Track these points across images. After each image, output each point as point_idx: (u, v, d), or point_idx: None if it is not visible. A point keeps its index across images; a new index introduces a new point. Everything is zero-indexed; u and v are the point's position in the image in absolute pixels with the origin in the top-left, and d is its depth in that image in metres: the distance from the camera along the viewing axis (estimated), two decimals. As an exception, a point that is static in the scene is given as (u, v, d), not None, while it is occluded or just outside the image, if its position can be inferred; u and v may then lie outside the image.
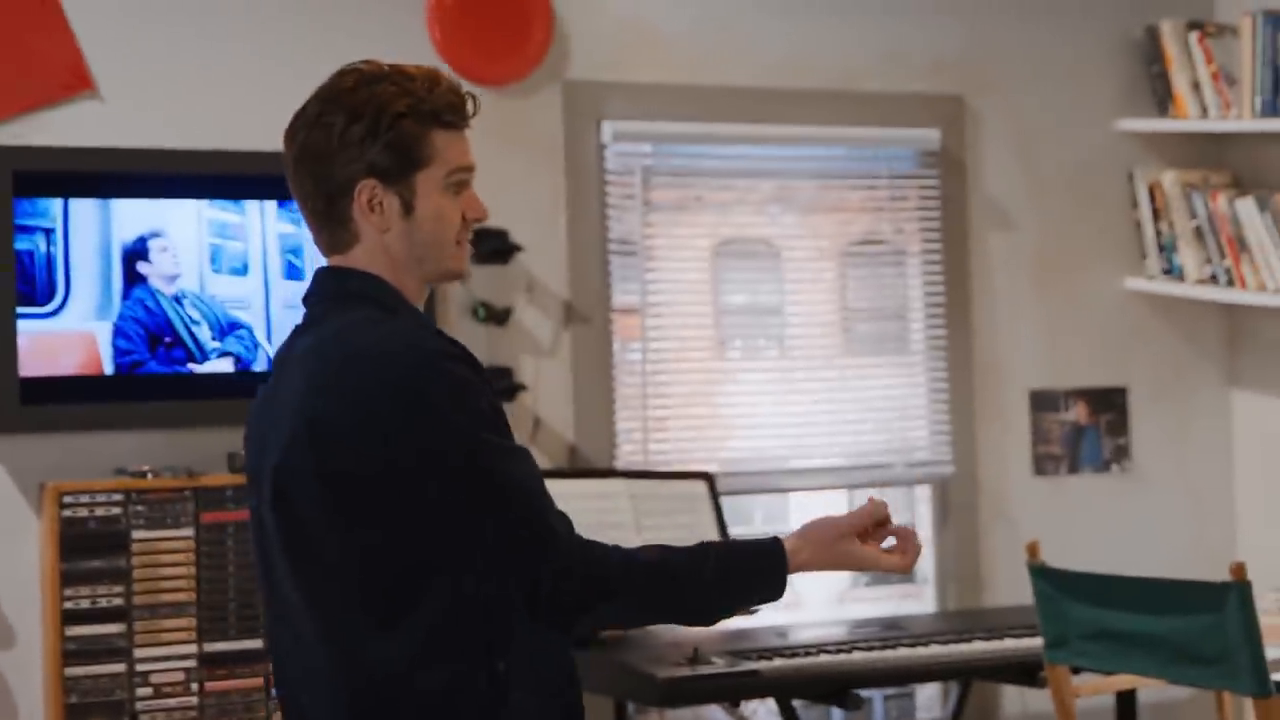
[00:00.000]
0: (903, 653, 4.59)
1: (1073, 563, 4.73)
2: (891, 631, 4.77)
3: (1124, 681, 4.55)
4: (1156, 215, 5.41)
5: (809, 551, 2.51)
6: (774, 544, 2.51)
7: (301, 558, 2.47)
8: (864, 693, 4.98)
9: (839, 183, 5.19)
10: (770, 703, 4.75)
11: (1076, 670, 4.40)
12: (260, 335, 4.44)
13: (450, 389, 2.40)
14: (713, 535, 4.68)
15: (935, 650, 4.63)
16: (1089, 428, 5.43)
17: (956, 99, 5.27)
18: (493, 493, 2.39)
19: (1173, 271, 5.40)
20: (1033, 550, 4.20)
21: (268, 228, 4.45)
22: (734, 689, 4.37)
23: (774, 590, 2.50)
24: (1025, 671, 4.65)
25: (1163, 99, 5.42)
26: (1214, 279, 5.31)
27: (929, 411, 5.24)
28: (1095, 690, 4.56)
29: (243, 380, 4.41)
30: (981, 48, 5.30)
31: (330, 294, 2.54)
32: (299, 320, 2.57)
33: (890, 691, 5.16)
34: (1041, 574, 4.16)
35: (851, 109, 5.13)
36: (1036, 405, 5.37)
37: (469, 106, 2.54)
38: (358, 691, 2.44)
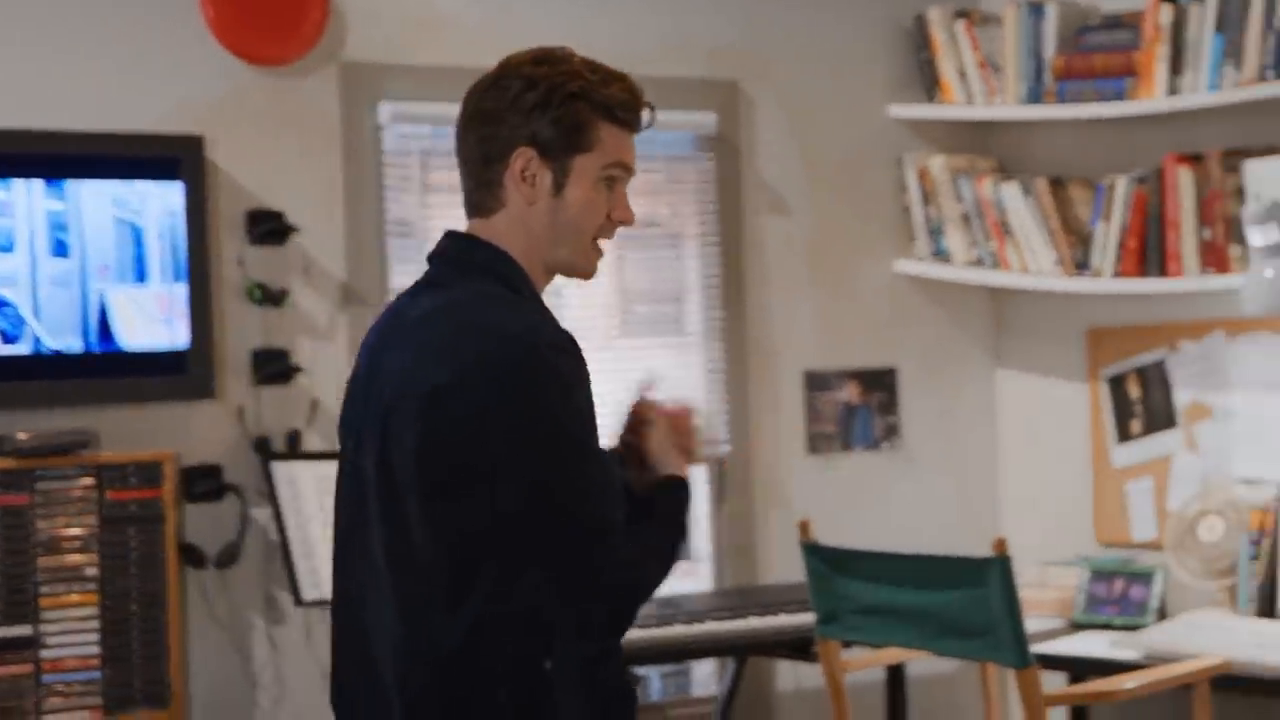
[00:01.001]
0: (678, 630, 4.67)
1: (846, 539, 4.83)
2: (667, 609, 4.84)
3: (893, 655, 4.67)
4: (925, 199, 5.53)
5: (664, 461, 2.63)
6: (670, 486, 2.60)
7: (390, 520, 2.47)
8: (640, 670, 5.07)
9: (616, 166, 5.23)
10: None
11: (848, 644, 4.51)
12: (26, 312, 4.36)
13: (557, 385, 2.42)
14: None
15: (710, 627, 4.71)
16: (861, 407, 5.55)
17: (732, 84, 5.34)
18: (571, 495, 2.41)
19: (941, 254, 5.52)
20: (804, 528, 4.29)
21: (35, 205, 4.37)
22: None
23: (684, 515, 2.60)
24: (798, 646, 4.77)
25: (931, 86, 5.54)
26: (980, 262, 5.44)
27: (705, 392, 5.31)
28: (865, 664, 4.67)
29: (7, 359, 4.33)
30: (757, 34, 5.38)
31: (456, 260, 2.56)
32: (421, 276, 2.59)
33: (667, 669, 5.22)
34: (813, 551, 4.25)
35: (628, 92, 5.17)
36: (810, 385, 5.47)
37: (644, 113, 2.60)
38: (421, 662, 2.45)
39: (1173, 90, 4.96)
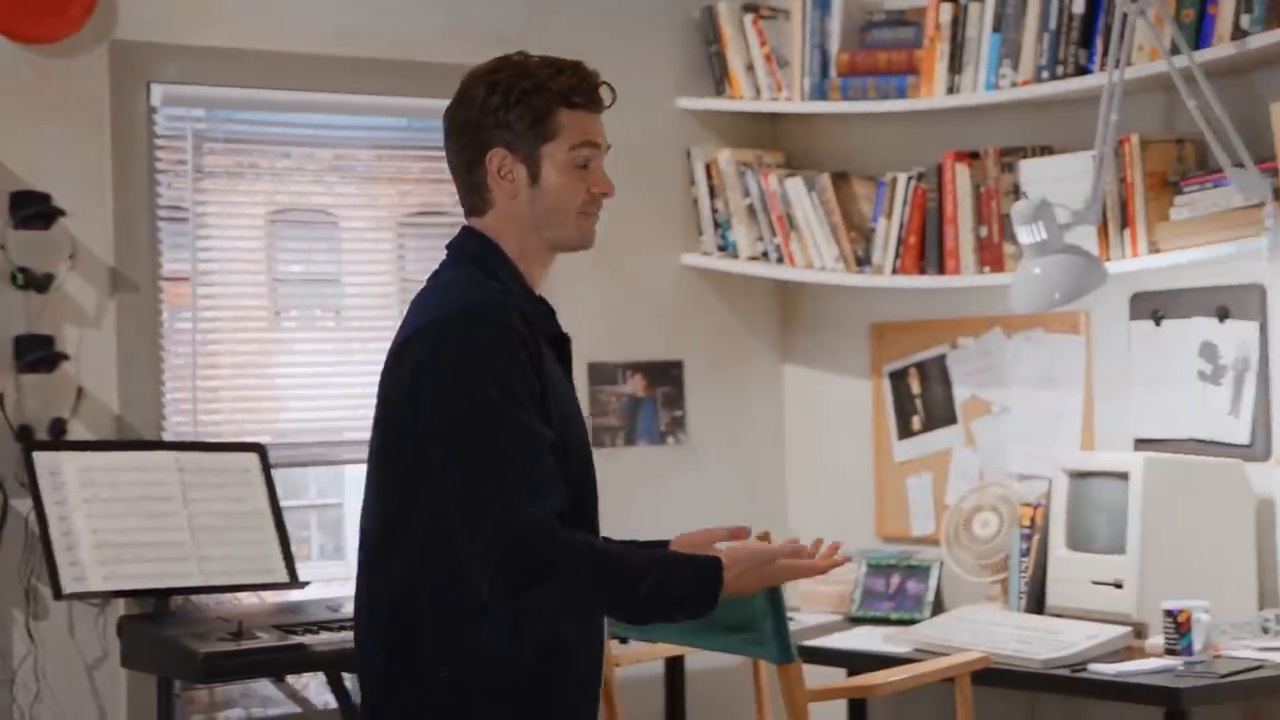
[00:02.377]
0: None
1: (631, 534, 4.80)
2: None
3: (669, 649, 4.65)
4: (713, 193, 5.53)
5: (739, 571, 2.83)
6: (713, 567, 2.81)
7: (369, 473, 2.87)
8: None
9: (398, 153, 5.17)
10: (323, 676, 4.72)
11: (624, 640, 4.49)
12: None
13: (480, 356, 2.72)
14: (264, 507, 4.63)
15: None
16: (646, 400, 5.53)
17: (517, 73, 5.29)
18: (481, 460, 2.68)
19: (727, 248, 5.52)
20: (575, 522, 4.24)
21: None
22: (280, 663, 4.32)
23: (704, 607, 2.81)
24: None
25: (720, 79, 5.54)
26: (766, 256, 5.45)
27: (487, 383, 5.26)
28: (639, 659, 4.65)
29: None
30: (543, 22, 5.33)
31: (455, 249, 2.94)
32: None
33: (445, 663, 5.16)
34: (583, 545, 4.21)
35: (411, 79, 5.10)
36: (595, 378, 5.44)
37: (601, 91, 2.94)
38: (377, 595, 2.83)
39: (952, 88, 5.00)
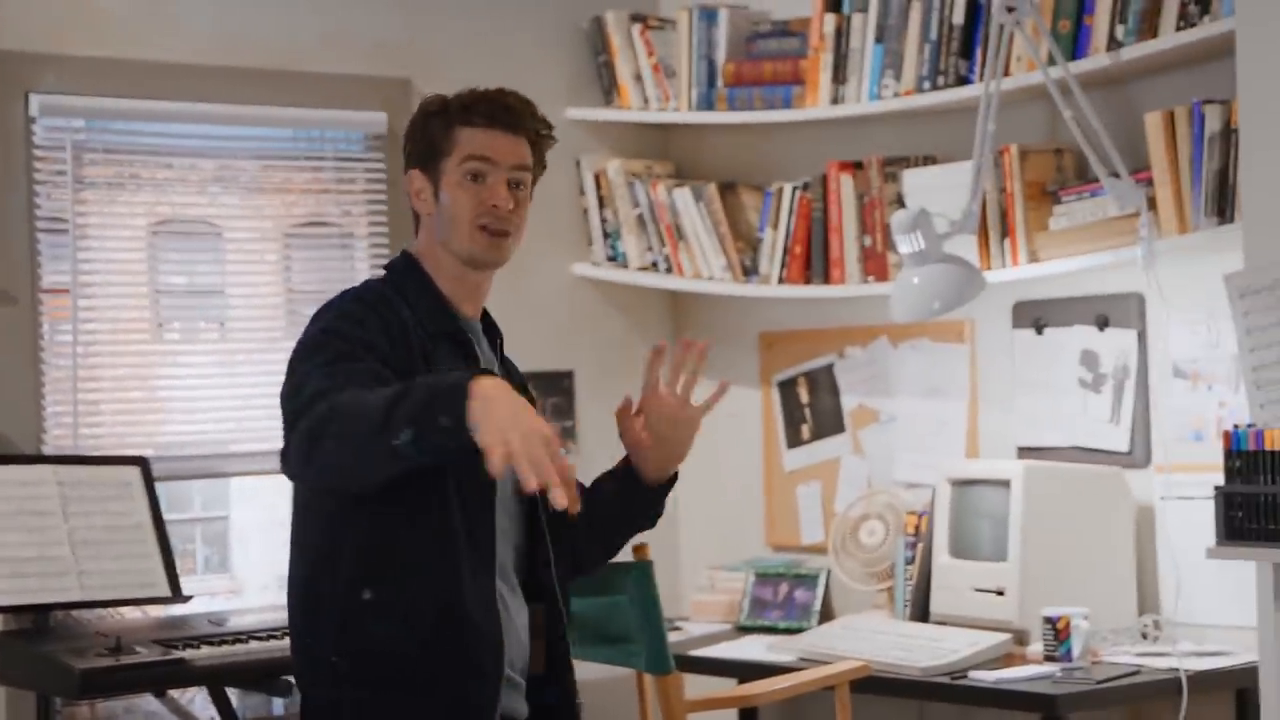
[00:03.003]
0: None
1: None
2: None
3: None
4: (602, 203, 5.52)
5: (495, 401, 2.67)
6: (463, 376, 2.74)
7: None
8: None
9: (283, 164, 5.13)
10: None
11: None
12: None
13: (330, 316, 2.96)
14: (146, 521, 4.58)
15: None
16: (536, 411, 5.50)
17: (403, 82, 5.27)
18: (290, 385, 2.92)
19: (617, 258, 5.52)
20: (455, 533, 4.23)
21: None
22: (160, 678, 4.27)
23: (455, 404, 2.63)
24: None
25: (609, 89, 5.53)
26: (655, 266, 5.46)
27: (375, 395, 5.23)
28: (523, 670, 4.63)
29: None
30: (428, 31, 5.31)
31: (385, 267, 3.17)
32: None
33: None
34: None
35: (295, 89, 5.07)
36: (483, 389, 5.42)
37: (505, 110, 3.07)
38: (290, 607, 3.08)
39: (837, 98, 5.02)
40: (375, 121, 5.19)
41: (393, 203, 5.25)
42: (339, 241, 5.24)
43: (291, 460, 2.87)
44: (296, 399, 2.86)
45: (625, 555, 4.02)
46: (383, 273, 3.18)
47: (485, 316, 3.29)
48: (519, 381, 3.23)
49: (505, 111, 3.05)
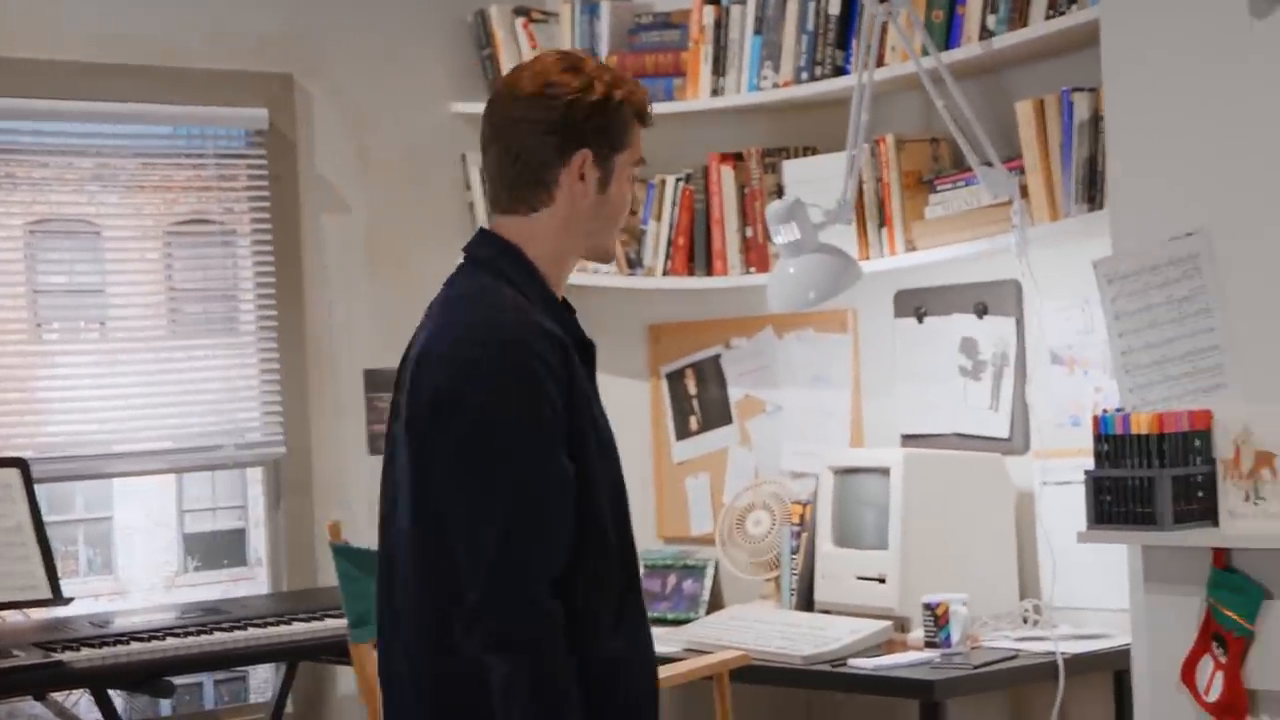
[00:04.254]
0: (219, 637, 4.55)
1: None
2: (212, 616, 4.72)
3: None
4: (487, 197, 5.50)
5: None
6: None
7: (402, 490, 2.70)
8: (192, 679, 4.95)
9: (164, 161, 5.10)
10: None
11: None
12: None
13: (491, 392, 2.57)
14: (26, 523, 4.55)
15: (253, 633, 4.60)
16: (425, 406, 5.49)
17: (285, 78, 5.24)
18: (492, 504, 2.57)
19: (504, 252, 5.50)
20: (334, 530, 4.23)
21: None
22: (38, 681, 4.25)
23: None
24: (345, 651, 4.69)
25: (493, 82, 5.51)
26: (542, 260, 5.44)
27: (260, 393, 5.21)
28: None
29: None
30: (309, 26, 5.28)
31: (471, 255, 2.80)
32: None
33: (221, 676, 5.12)
34: (342, 553, 4.19)
35: (175, 86, 5.04)
36: (371, 385, 5.40)
37: (650, 110, 2.82)
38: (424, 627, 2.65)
39: (717, 90, 5.03)
40: (257, 117, 5.16)
41: (275, 199, 5.23)
42: (221, 239, 5.21)
43: (497, 668, 2.55)
44: (503, 586, 2.56)
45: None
46: (471, 262, 2.79)
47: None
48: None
49: (646, 110, 2.84)
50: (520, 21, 5.43)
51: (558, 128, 2.71)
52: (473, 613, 2.56)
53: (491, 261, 2.74)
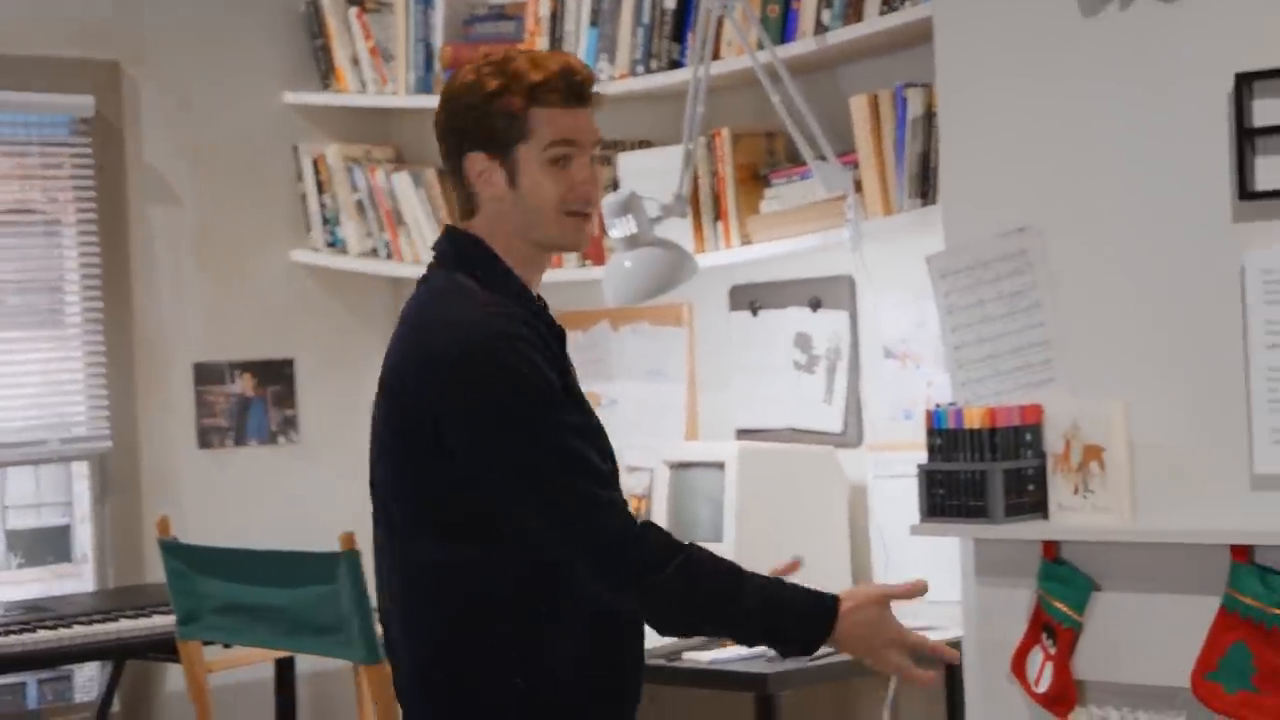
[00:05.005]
0: (43, 635, 4.47)
1: (240, 538, 4.71)
2: (35, 614, 4.63)
3: (259, 655, 4.57)
4: (321, 188, 5.45)
5: (855, 635, 2.70)
6: (830, 601, 2.67)
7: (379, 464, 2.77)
8: (14, 678, 4.85)
9: (-16, 149, 4.99)
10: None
11: (228, 644, 4.40)
12: None
13: (497, 385, 2.58)
14: None
15: (79, 631, 4.52)
16: (256, 400, 5.42)
17: (112, 65, 5.14)
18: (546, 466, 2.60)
19: (337, 244, 5.45)
20: (163, 526, 4.16)
21: None
22: None
23: (819, 632, 2.66)
24: (173, 648, 4.61)
25: (326, 73, 5.46)
26: (375, 252, 5.40)
27: (86, 387, 5.11)
28: (233, 664, 4.56)
29: None
30: (137, 12, 5.19)
31: (440, 252, 2.76)
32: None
33: (45, 674, 5.01)
34: (172, 550, 4.13)
35: (-3, 72, 4.93)
36: (201, 378, 5.32)
37: (581, 85, 2.69)
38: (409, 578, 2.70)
39: (552, 82, 4.99)
40: (83, 105, 5.06)
41: (101, 189, 5.13)
42: (45, 229, 5.10)
43: (630, 581, 2.60)
44: (583, 508, 2.60)
45: (332, 545, 3.98)
46: (441, 260, 2.76)
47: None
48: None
49: (582, 85, 2.71)
50: (354, 11, 5.37)
51: (444, 135, 2.74)
52: (596, 571, 2.60)
53: (462, 258, 2.72)
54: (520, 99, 2.65)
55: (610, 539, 2.59)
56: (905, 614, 4.43)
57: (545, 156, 2.66)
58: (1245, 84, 3.46)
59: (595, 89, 2.75)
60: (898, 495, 4.44)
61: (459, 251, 2.72)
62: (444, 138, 2.73)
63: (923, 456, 3.84)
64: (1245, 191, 3.47)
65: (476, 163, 2.68)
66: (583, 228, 2.73)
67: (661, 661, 4.25)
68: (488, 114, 2.66)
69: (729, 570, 2.67)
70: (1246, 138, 3.47)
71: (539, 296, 2.76)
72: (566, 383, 2.70)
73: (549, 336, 2.70)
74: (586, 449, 2.64)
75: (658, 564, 2.60)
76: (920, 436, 3.90)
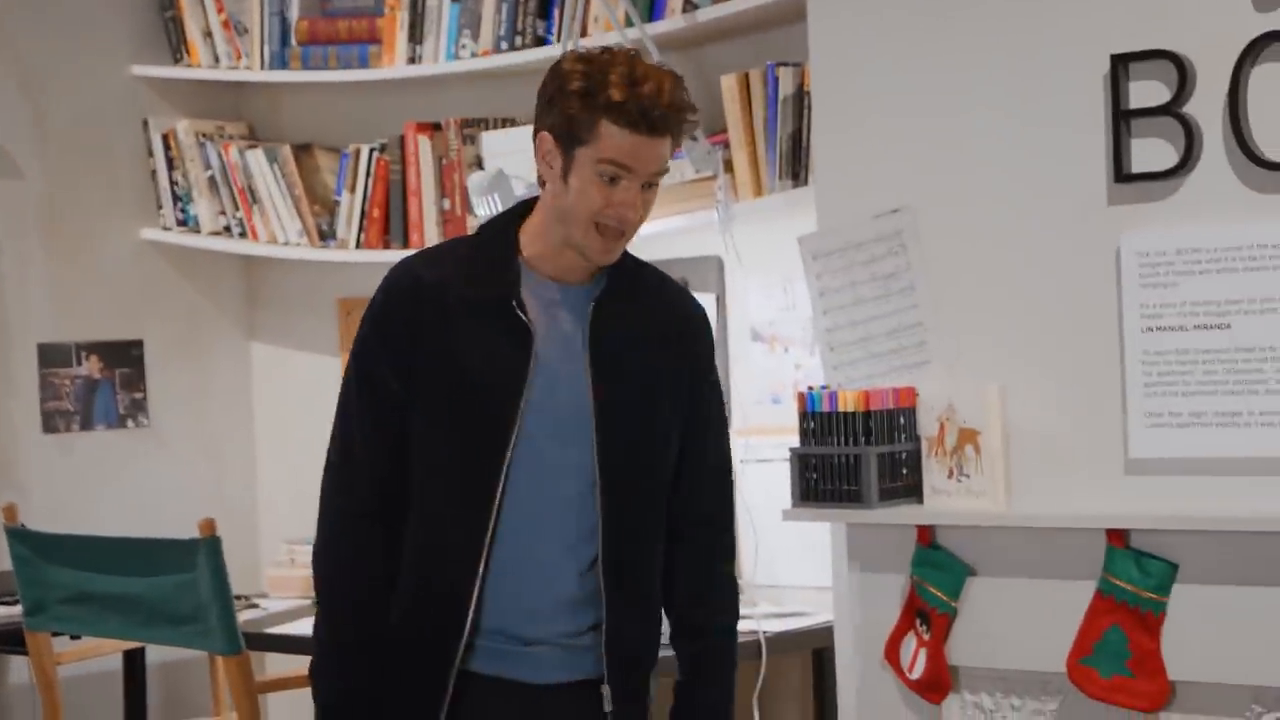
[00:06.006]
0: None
1: (88, 525, 4.57)
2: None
3: (113, 645, 4.44)
4: (171, 165, 5.30)
5: None
6: None
7: None
8: None
9: None
10: None
11: (76, 636, 4.26)
12: None
13: (358, 334, 2.87)
14: None
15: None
16: (103, 382, 5.26)
17: (-48, 36, 4.97)
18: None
19: (188, 223, 5.31)
20: (9, 513, 4.02)
21: None
22: None
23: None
24: (19, 639, 4.46)
25: (177, 46, 5.32)
26: (229, 230, 5.27)
27: (-76, 368, 4.93)
28: (84, 655, 4.42)
29: None
30: (-21, -17, 5.02)
31: None
32: None
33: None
34: (19, 537, 3.98)
35: None
36: (45, 360, 5.15)
37: (657, 119, 2.72)
38: None
39: (414, 58, 4.90)
40: (-79, 77, 4.87)
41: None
42: (-117, 204, 4.91)
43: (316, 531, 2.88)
44: (326, 473, 2.88)
45: (191, 531, 3.86)
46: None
47: (619, 276, 2.91)
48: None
49: (659, 119, 2.75)
50: (207, -17, 5.23)
51: (539, 106, 2.82)
52: None
53: (492, 221, 2.94)
54: (594, 108, 2.73)
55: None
56: (774, 599, 4.42)
57: (597, 169, 2.74)
58: (1121, 65, 3.45)
59: (684, 120, 2.80)
60: (766, 480, 4.39)
61: (497, 221, 2.92)
62: (537, 103, 2.83)
63: (792, 440, 3.78)
64: (1121, 174, 3.46)
65: (545, 142, 2.78)
66: (609, 244, 2.80)
67: (527, 649, 4.17)
68: (565, 107, 2.75)
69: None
70: (1123, 119, 3.45)
71: (621, 271, 2.87)
72: (419, 343, 2.80)
73: (458, 300, 2.80)
74: (348, 433, 2.84)
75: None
76: (788, 421, 3.85)
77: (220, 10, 5.21)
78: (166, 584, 3.69)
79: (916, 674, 3.68)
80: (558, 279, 2.84)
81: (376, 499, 2.80)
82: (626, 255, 2.90)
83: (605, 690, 2.84)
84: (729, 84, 4.31)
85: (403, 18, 4.89)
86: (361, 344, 2.85)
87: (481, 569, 2.79)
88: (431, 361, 2.80)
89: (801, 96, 4.17)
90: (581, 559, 2.84)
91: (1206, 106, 3.37)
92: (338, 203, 5.08)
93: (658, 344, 2.91)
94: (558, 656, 2.84)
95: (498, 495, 2.79)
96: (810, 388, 3.79)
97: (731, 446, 3.11)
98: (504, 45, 4.73)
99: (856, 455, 3.65)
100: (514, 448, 2.79)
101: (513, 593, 2.82)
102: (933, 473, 3.66)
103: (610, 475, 2.84)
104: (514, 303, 2.80)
